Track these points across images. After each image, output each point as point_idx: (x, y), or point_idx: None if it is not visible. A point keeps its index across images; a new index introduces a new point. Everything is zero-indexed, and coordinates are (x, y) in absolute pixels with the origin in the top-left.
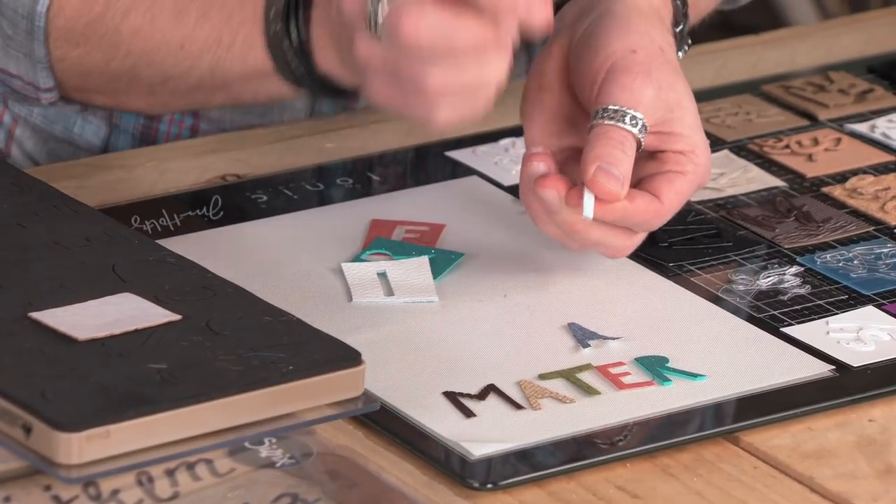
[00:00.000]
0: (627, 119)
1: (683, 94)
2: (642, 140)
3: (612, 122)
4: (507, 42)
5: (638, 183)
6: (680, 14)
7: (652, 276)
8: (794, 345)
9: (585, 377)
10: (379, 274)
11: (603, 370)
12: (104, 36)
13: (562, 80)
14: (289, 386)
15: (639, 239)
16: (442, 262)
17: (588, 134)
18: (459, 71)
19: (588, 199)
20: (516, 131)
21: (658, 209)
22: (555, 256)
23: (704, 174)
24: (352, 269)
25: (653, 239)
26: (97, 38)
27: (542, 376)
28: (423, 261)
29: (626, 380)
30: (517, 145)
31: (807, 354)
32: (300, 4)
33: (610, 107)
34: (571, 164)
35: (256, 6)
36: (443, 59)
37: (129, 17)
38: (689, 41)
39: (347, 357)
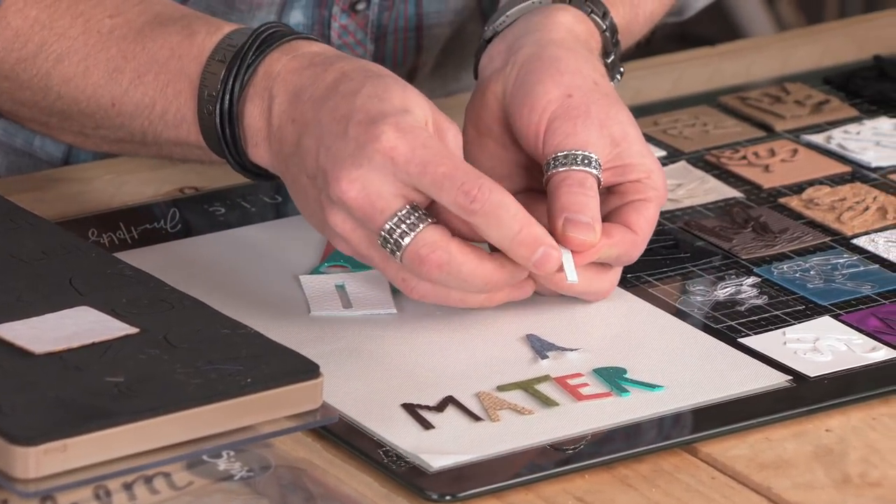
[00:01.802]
0: (580, 160)
1: (626, 124)
2: (601, 178)
3: (566, 168)
4: (503, 274)
5: (604, 219)
6: (610, 44)
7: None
8: (751, 355)
9: (544, 388)
10: (337, 286)
11: (561, 381)
12: (34, 77)
13: (501, 127)
14: (247, 399)
15: (617, 275)
16: None
17: (546, 187)
18: (449, 293)
19: (567, 261)
20: None
21: (634, 240)
22: None
23: (664, 194)
24: (310, 282)
25: None
26: (27, 77)
27: (501, 388)
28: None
29: (585, 391)
30: None
31: (764, 365)
32: (235, 89)
33: (559, 154)
34: (532, 207)
35: (193, 80)
36: (447, 283)
37: (61, 63)
38: (622, 68)
39: (305, 369)
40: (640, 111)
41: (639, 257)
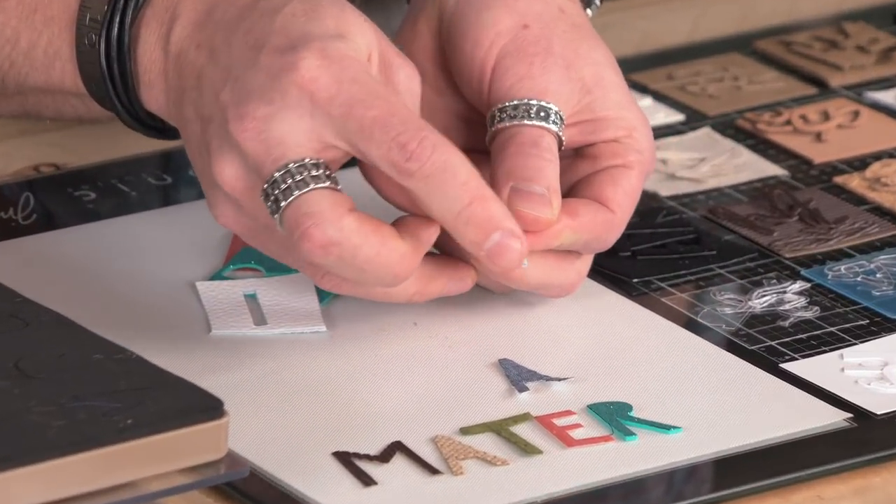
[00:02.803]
0: (535, 112)
1: (602, 65)
2: (563, 136)
3: (516, 122)
4: (416, 263)
5: (569, 192)
6: None
7: (610, 295)
8: (797, 385)
9: (522, 431)
10: (247, 296)
11: (545, 421)
12: None
13: (436, 67)
14: (128, 446)
15: (586, 266)
16: None
17: (490, 146)
18: (353, 284)
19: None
20: None
21: (608, 220)
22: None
23: (650, 158)
24: (210, 290)
25: (612, 248)
26: None
27: (465, 430)
28: (307, 278)
29: (577, 434)
30: None
31: (815, 398)
32: (127, 12)
33: (508, 104)
34: None
35: (69, 3)
36: (340, 272)
37: None
38: None
39: (205, 407)
40: (649, 61)
41: (647, 253)
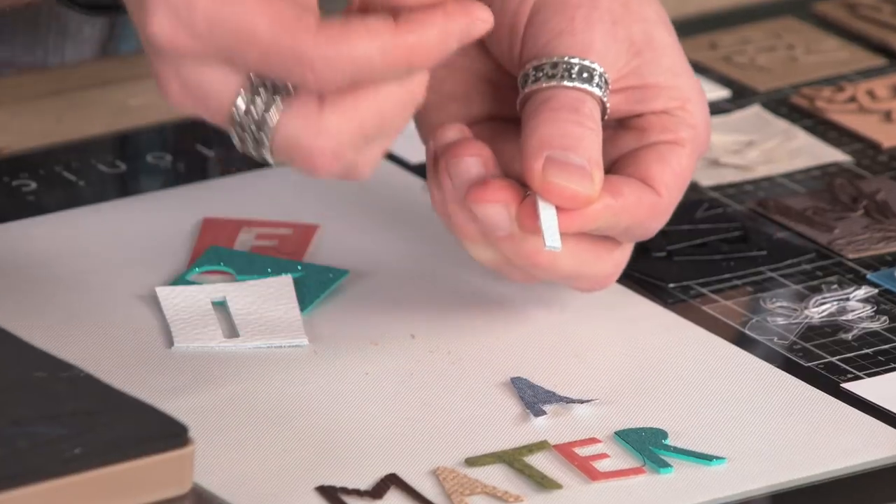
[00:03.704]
0: (576, 73)
1: (654, 23)
2: (607, 103)
3: (554, 84)
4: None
5: (610, 169)
6: None
7: (642, 303)
8: (862, 409)
9: (538, 462)
10: (215, 303)
11: (566, 451)
12: None
13: None
14: (76, 479)
15: (624, 257)
16: (314, 285)
17: (521, 112)
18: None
19: (548, 217)
20: None
21: (654, 203)
22: (490, 273)
23: (704, 137)
24: (172, 297)
25: (643, 247)
26: None
27: (471, 461)
28: (286, 282)
29: (603, 465)
30: None
31: (883, 424)
32: None
33: (546, 61)
34: (501, 144)
35: None
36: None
37: None
38: None
39: (167, 433)
40: (688, 27)
41: (686, 253)
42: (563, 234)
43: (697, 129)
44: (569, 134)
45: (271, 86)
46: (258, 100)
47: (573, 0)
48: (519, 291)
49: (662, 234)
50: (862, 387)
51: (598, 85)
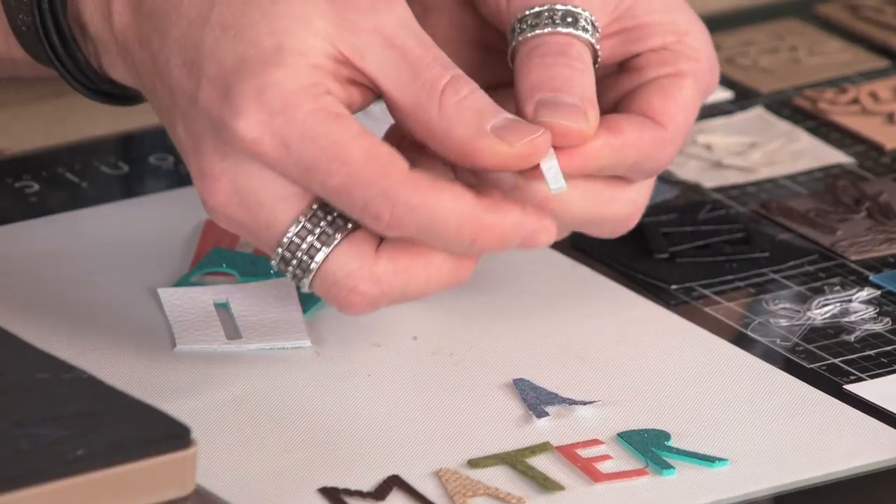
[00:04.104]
0: (560, 18)
1: None
2: (597, 47)
3: (539, 31)
4: (471, 266)
5: (613, 111)
6: None
7: (644, 304)
8: (865, 411)
9: (541, 463)
10: (217, 305)
11: (568, 452)
12: None
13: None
14: (78, 480)
15: (642, 195)
16: None
17: (513, 65)
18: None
19: (549, 164)
20: None
21: (659, 136)
22: (492, 273)
23: (708, 70)
24: (175, 298)
25: (646, 249)
26: None
27: (474, 463)
28: (288, 284)
29: (605, 467)
30: None
31: (886, 426)
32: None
33: (529, 12)
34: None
35: None
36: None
37: None
38: None
39: (170, 434)
40: None
41: (688, 255)
42: (571, 178)
43: (700, 61)
44: (558, 76)
45: (332, 219)
46: (317, 229)
47: None
48: (521, 294)
49: (665, 235)
50: (864, 388)
51: (584, 28)
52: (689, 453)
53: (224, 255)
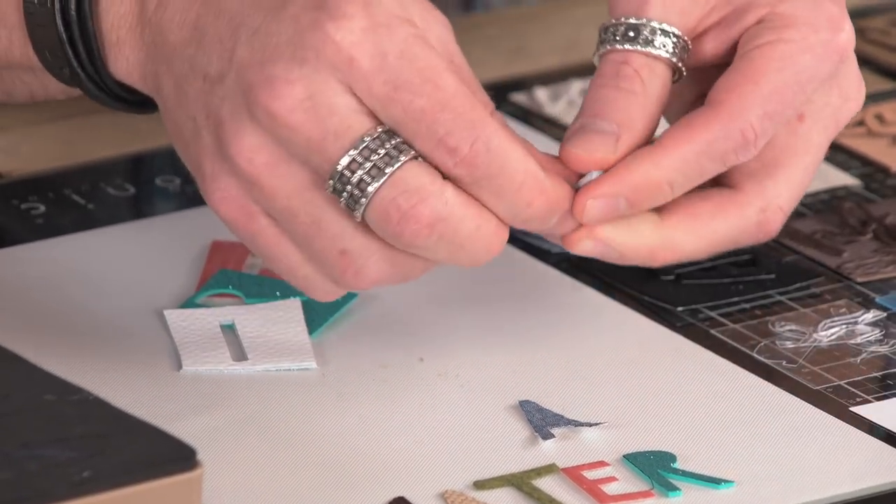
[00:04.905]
0: (621, 35)
1: None
2: (680, 64)
3: (604, 50)
4: (507, 234)
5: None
6: None
7: (651, 326)
8: (872, 433)
9: (547, 485)
10: (224, 326)
11: (574, 474)
12: None
13: None
14: (85, 502)
15: (773, 196)
16: (323, 308)
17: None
18: (413, 266)
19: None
20: None
21: (709, 118)
22: (498, 295)
23: (829, 36)
24: (181, 320)
25: (651, 270)
26: None
27: (480, 485)
28: (294, 305)
29: (611, 489)
30: None
31: (892, 448)
32: None
33: (615, 22)
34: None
35: None
36: (433, 253)
37: None
38: None
39: (176, 456)
40: None
41: (694, 276)
42: (635, 213)
43: (791, 27)
44: (601, 98)
45: (398, 143)
46: (387, 144)
47: None
48: (527, 315)
49: None
50: (870, 410)
51: (645, 41)
52: (695, 475)
53: (230, 277)
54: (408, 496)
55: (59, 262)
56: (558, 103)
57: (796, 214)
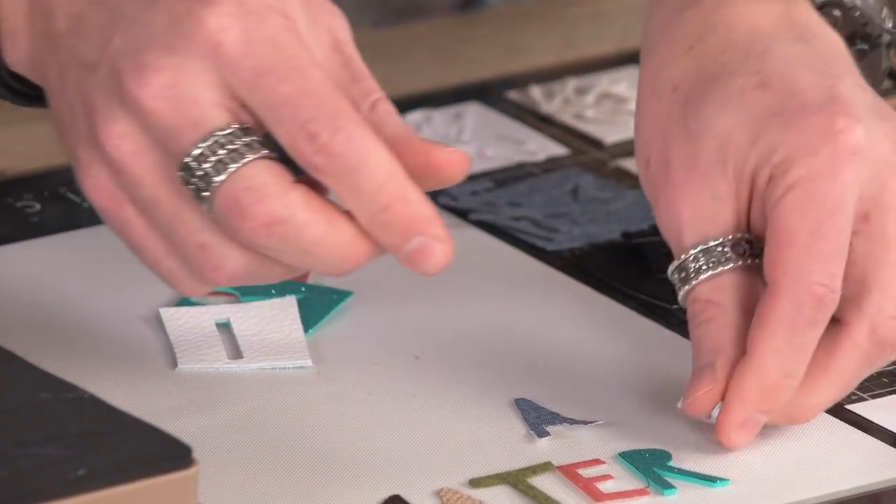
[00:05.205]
0: (695, 271)
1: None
2: (741, 259)
3: (682, 291)
4: (370, 247)
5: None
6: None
7: (645, 324)
8: (868, 432)
9: (542, 483)
10: (219, 324)
11: (570, 472)
12: None
13: None
14: (79, 500)
15: (842, 381)
16: (318, 306)
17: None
18: (271, 268)
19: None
20: (428, 100)
21: (787, 291)
22: (493, 293)
23: (835, 152)
24: (176, 318)
25: (647, 269)
26: None
27: (475, 483)
28: (289, 303)
29: (607, 487)
30: (434, 121)
31: (887, 446)
32: None
33: (669, 271)
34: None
35: None
36: (282, 256)
37: None
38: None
39: (171, 455)
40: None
41: None
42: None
43: (801, 161)
44: (692, 341)
45: (259, 139)
46: (238, 141)
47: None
48: (523, 313)
49: (666, 255)
50: (866, 408)
51: (696, 272)
52: (691, 473)
53: None
54: (403, 494)
55: (54, 261)
56: (553, 101)
57: None
